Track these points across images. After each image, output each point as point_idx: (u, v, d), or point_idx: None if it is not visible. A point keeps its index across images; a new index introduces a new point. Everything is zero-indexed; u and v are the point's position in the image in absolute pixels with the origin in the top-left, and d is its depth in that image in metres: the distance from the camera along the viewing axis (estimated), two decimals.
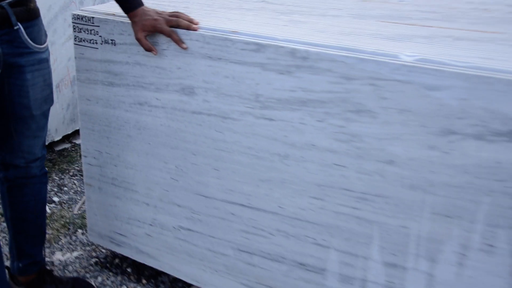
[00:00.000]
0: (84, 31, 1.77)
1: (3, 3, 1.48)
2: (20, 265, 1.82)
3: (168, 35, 1.57)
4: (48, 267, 2.00)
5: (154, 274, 2.02)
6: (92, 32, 1.76)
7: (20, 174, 1.72)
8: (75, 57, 1.83)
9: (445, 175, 1.32)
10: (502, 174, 1.26)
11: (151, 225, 1.88)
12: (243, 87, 1.53)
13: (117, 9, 1.75)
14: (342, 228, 1.51)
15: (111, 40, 1.72)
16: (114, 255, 2.13)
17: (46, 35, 1.65)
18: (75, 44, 1.82)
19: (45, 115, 1.70)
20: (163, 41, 1.62)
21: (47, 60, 1.64)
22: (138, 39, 1.61)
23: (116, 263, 2.11)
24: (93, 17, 1.74)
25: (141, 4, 1.60)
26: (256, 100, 1.52)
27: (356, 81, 1.37)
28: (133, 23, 1.60)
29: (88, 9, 1.79)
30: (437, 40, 1.43)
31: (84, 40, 1.78)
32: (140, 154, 1.80)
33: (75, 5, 2.86)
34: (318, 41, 1.43)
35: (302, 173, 1.52)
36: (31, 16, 1.57)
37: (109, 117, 1.82)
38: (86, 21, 1.76)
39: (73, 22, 1.79)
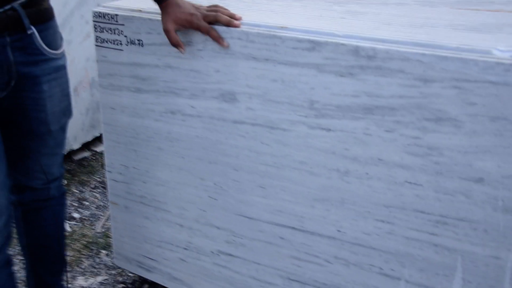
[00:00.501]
0: (107, 31, 1.58)
1: (15, 4, 1.29)
2: None
3: (206, 32, 1.37)
4: None
5: None
6: (116, 31, 1.56)
7: (37, 196, 1.55)
8: (97, 60, 1.64)
9: None
10: None
11: (185, 249, 1.68)
12: (295, 92, 1.32)
13: (143, 4, 1.56)
14: (415, 256, 1.29)
15: (138, 40, 1.52)
16: (143, 280, 1.94)
17: (62, 38, 1.46)
18: (96, 45, 1.62)
19: (64, 129, 1.53)
20: (198, 41, 1.42)
21: (64, 67, 1.45)
22: (166, 30, 1.39)
23: None
24: (116, 15, 1.54)
25: None
26: (311, 108, 1.31)
27: (436, 84, 1.15)
28: (165, 14, 1.39)
29: (110, 6, 1.60)
30: None
31: (106, 41, 1.59)
32: (173, 170, 1.60)
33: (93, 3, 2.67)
34: (387, 36, 1.21)
35: (366, 192, 1.31)
36: (46, 18, 1.38)
37: (137, 128, 1.62)
38: (108, 19, 1.57)
39: (94, 21, 1.60)
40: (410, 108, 1.19)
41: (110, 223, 1.86)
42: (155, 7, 1.52)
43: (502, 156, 1.13)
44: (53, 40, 1.41)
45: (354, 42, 1.22)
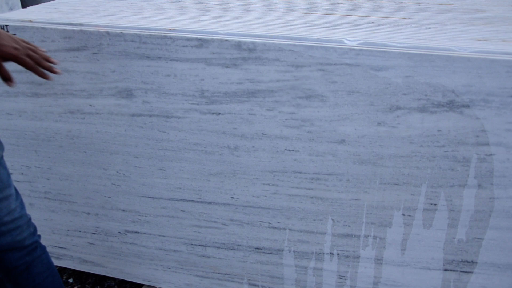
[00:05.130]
0: None
1: None
2: None
3: (32, 70, 1.08)
4: None
5: (98, 280, 1.62)
6: None
7: (20, 252, 1.09)
8: None
9: (393, 148, 1.14)
10: (442, 141, 1.12)
11: (93, 233, 1.47)
12: (186, 84, 1.21)
13: (32, 16, 1.32)
14: (296, 209, 1.27)
15: None
16: None
17: None
18: None
19: (3, 165, 1.05)
20: (93, 45, 1.23)
21: None
22: None
23: None
24: (7, 25, 1.28)
25: None
26: (202, 96, 1.21)
27: (305, 68, 1.13)
28: None
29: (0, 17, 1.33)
30: (363, 26, 1.24)
31: None
32: (76, 164, 1.39)
33: None
34: (263, 32, 1.16)
35: (253, 162, 1.25)
36: None
37: (36, 130, 1.38)
38: None
39: None
40: (286, 89, 1.16)
41: None
42: (46, 17, 1.31)
43: (357, 121, 1.14)
44: None
45: (236, 38, 1.14)
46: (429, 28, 1.22)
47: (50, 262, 1.17)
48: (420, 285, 1.26)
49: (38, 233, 1.29)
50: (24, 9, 1.43)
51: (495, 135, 1.07)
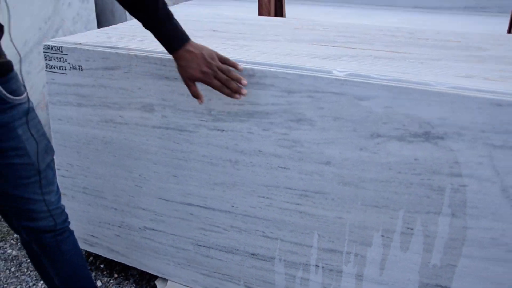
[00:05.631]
0: (54, 59, 1.54)
1: None
2: None
3: (219, 90, 1.20)
4: None
5: (124, 269, 1.79)
6: (61, 59, 1.52)
7: (53, 234, 1.28)
8: (47, 82, 1.59)
9: (374, 172, 1.20)
10: (418, 169, 1.15)
11: (119, 227, 1.65)
12: (197, 102, 1.34)
13: (82, 39, 1.54)
14: (287, 221, 1.35)
15: (79, 66, 1.50)
16: (88, 253, 1.88)
17: (24, 87, 1.16)
18: (46, 71, 1.57)
19: (51, 167, 1.24)
20: (124, 65, 1.41)
21: (32, 110, 1.17)
22: (187, 85, 1.22)
23: (91, 261, 1.86)
24: (62, 47, 1.51)
25: (185, 40, 1.18)
26: (209, 114, 1.35)
27: (297, 94, 1.22)
28: (180, 68, 1.19)
29: (58, 40, 1.56)
30: (361, 58, 1.31)
31: (54, 67, 1.55)
32: (107, 165, 1.58)
33: (47, 40, 2.58)
34: (262, 61, 1.27)
35: (251, 176, 1.35)
36: (6, 70, 1.10)
37: (79, 134, 1.59)
38: (55, 50, 1.53)
39: (44, 52, 1.55)
40: (280, 112, 1.25)
41: None
42: (93, 41, 1.51)
43: (342, 145, 1.21)
44: (17, 87, 1.12)
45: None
46: (421, 63, 1.27)
47: (76, 243, 1.36)
48: None
49: (73, 221, 1.49)
50: (81, 33, 1.66)
51: (468, 167, 1.10)
